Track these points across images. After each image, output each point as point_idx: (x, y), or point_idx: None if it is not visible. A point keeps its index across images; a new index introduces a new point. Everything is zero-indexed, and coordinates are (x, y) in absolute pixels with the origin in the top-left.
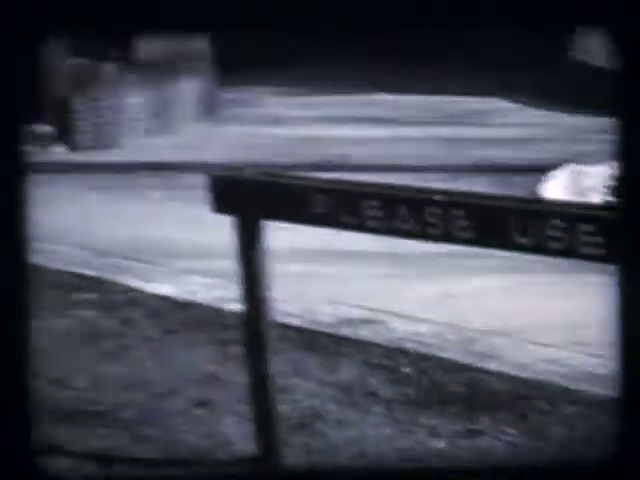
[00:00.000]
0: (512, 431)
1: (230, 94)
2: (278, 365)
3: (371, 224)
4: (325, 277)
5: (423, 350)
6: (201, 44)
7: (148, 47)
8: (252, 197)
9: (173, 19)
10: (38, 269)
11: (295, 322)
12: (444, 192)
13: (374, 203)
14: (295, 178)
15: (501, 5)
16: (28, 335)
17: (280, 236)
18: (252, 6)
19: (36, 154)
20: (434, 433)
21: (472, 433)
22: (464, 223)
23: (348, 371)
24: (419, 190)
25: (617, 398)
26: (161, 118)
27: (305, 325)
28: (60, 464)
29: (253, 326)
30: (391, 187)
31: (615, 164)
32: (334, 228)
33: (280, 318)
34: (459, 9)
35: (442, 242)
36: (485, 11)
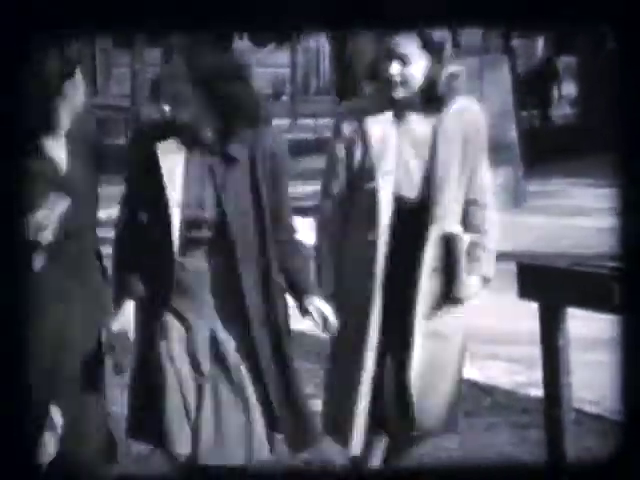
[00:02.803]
0: None
1: (535, 185)
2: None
3: None
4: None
5: None
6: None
7: None
8: (557, 285)
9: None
10: None
11: (588, 409)
12: None
13: None
14: (598, 267)
15: (500, 6)
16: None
17: (576, 324)
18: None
19: None
20: None
21: None
22: None
23: None
24: None
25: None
26: None
27: (599, 412)
28: None
29: (553, 411)
30: None
31: None
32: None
33: (575, 404)
34: (458, 9)
35: None
36: (483, 12)
